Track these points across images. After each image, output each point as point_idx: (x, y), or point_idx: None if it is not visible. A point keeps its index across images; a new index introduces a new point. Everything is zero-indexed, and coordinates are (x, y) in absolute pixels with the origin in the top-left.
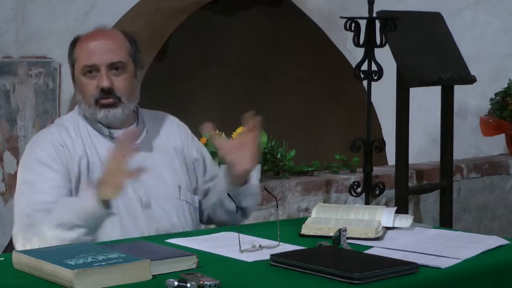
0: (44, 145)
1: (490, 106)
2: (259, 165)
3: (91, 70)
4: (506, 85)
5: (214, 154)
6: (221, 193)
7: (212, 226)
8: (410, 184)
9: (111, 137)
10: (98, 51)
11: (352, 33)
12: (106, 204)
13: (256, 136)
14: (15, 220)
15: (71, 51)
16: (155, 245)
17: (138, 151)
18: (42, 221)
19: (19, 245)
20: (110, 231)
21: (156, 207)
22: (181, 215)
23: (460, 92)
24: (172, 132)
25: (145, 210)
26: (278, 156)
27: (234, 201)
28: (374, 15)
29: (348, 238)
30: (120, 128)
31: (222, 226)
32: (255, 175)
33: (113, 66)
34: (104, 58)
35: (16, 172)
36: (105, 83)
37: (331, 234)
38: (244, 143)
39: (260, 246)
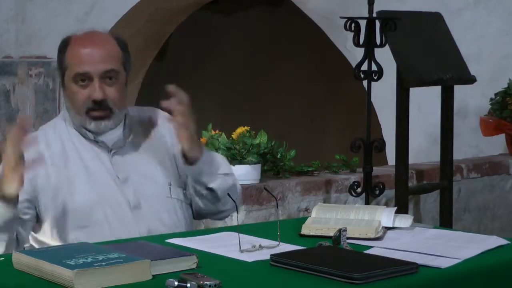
0: None
1: (490, 106)
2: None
3: (84, 78)
4: (506, 85)
5: None
6: (189, 178)
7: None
8: (410, 184)
9: (96, 141)
10: (91, 59)
11: (352, 33)
12: (11, 202)
13: (181, 114)
14: None
15: (62, 55)
16: (155, 245)
17: (35, 142)
18: None
19: None
20: (99, 235)
21: (146, 207)
22: (173, 214)
23: (460, 92)
24: (162, 128)
25: (135, 211)
26: (278, 156)
27: (234, 201)
28: (374, 15)
29: (348, 238)
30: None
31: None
32: (216, 157)
33: (106, 75)
34: (98, 66)
35: None
36: (98, 95)
37: (331, 234)
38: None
39: (260, 246)
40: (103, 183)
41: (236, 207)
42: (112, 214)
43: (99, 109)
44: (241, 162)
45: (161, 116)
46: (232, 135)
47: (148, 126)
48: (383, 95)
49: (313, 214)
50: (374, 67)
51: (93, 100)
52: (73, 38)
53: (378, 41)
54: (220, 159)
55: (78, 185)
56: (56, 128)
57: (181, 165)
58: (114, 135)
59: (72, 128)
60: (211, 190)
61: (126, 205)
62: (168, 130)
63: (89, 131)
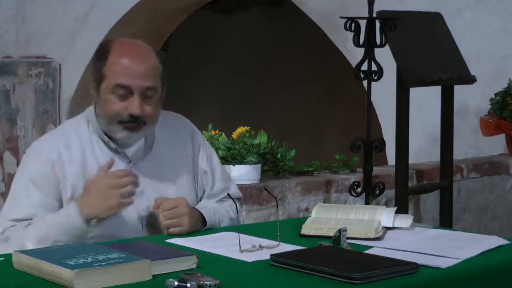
0: (39, 160)
1: (490, 106)
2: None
3: (123, 91)
4: (506, 85)
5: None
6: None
7: None
8: (410, 184)
9: (117, 152)
10: (134, 73)
11: (352, 33)
12: (91, 220)
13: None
14: None
15: (101, 62)
16: (155, 245)
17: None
18: (24, 236)
19: None
20: None
21: (160, 224)
22: None
23: (460, 92)
24: (183, 140)
25: (147, 228)
26: (278, 156)
27: (234, 201)
28: (374, 15)
29: (348, 238)
30: None
31: None
32: (218, 215)
33: (146, 92)
34: (140, 82)
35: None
36: (137, 111)
37: (331, 234)
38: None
39: (260, 246)
40: None
41: (236, 207)
42: (123, 228)
43: (133, 122)
44: (241, 162)
45: (186, 127)
46: (232, 135)
47: (169, 135)
48: (383, 95)
49: (313, 214)
50: (374, 67)
51: (130, 115)
52: (114, 45)
53: (378, 41)
54: (221, 213)
55: None
56: (79, 131)
57: (201, 184)
58: (134, 145)
59: (94, 134)
60: None
61: (138, 222)
62: (190, 143)
63: (115, 140)
